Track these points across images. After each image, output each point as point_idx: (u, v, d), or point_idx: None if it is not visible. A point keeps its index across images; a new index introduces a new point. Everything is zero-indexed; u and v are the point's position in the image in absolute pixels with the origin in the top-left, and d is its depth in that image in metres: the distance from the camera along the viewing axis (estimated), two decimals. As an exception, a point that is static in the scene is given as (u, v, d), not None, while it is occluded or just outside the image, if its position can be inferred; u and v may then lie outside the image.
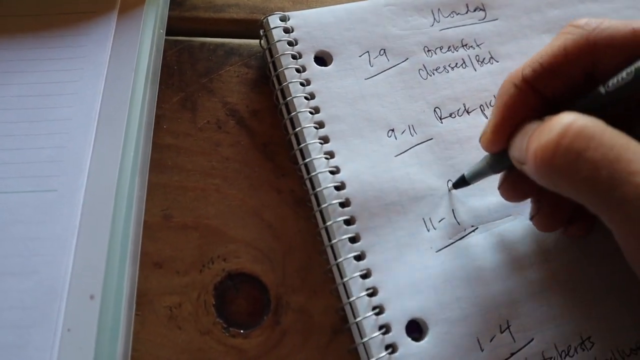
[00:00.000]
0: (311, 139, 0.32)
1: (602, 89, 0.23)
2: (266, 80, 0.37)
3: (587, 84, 0.25)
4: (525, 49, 0.38)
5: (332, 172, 0.32)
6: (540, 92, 0.26)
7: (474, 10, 0.39)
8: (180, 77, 0.36)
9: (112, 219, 0.29)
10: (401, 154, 0.33)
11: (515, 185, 0.29)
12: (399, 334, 0.28)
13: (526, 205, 0.32)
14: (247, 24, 0.39)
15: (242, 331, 0.30)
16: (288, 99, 0.34)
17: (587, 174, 0.21)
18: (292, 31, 0.35)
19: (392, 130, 0.34)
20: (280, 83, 0.35)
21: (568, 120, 0.22)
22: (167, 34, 0.38)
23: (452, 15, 0.38)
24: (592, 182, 0.21)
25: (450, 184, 0.33)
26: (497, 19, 0.39)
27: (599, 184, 0.21)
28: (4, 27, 0.35)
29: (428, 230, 0.31)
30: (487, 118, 0.35)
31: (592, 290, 0.31)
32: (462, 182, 0.32)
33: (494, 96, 0.36)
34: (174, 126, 0.35)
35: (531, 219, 0.31)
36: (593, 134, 0.21)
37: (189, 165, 0.34)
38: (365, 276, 0.30)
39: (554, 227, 0.30)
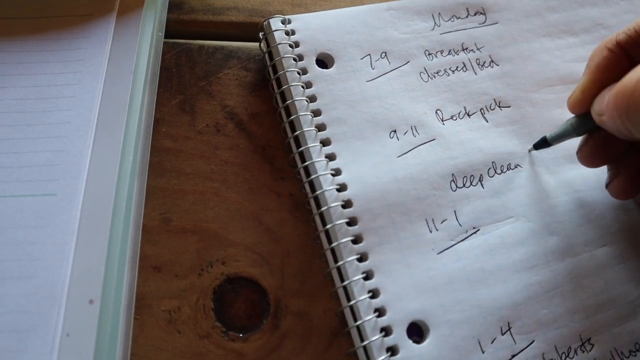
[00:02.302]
0: (312, 142, 0.32)
1: None
2: (265, 83, 0.37)
3: None
4: (526, 52, 0.38)
5: (333, 175, 0.32)
6: (632, 56, 0.27)
7: (474, 15, 0.39)
8: (179, 80, 0.36)
9: (111, 222, 0.29)
10: (404, 154, 0.33)
11: (596, 150, 0.30)
12: (399, 336, 0.28)
13: (527, 207, 0.32)
14: (245, 27, 0.39)
15: (241, 335, 0.30)
16: (289, 101, 0.33)
17: None
18: (293, 34, 0.35)
19: (394, 131, 0.34)
20: (280, 86, 0.34)
21: None
22: (165, 37, 0.37)
23: (452, 19, 0.38)
24: None
25: (530, 147, 0.34)
26: (497, 23, 0.39)
27: None
28: (2, 29, 0.35)
29: (430, 232, 0.31)
30: (487, 122, 0.35)
31: (592, 292, 0.31)
32: (543, 144, 0.33)
33: (494, 99, 0.36)
34: (173, 129, 0.35)
35: (607, 186, 0.31)
36: None
37: (188, 168, 0.34)
38: (367, 278, 0.29)
39: (630, 193, 0.31)
